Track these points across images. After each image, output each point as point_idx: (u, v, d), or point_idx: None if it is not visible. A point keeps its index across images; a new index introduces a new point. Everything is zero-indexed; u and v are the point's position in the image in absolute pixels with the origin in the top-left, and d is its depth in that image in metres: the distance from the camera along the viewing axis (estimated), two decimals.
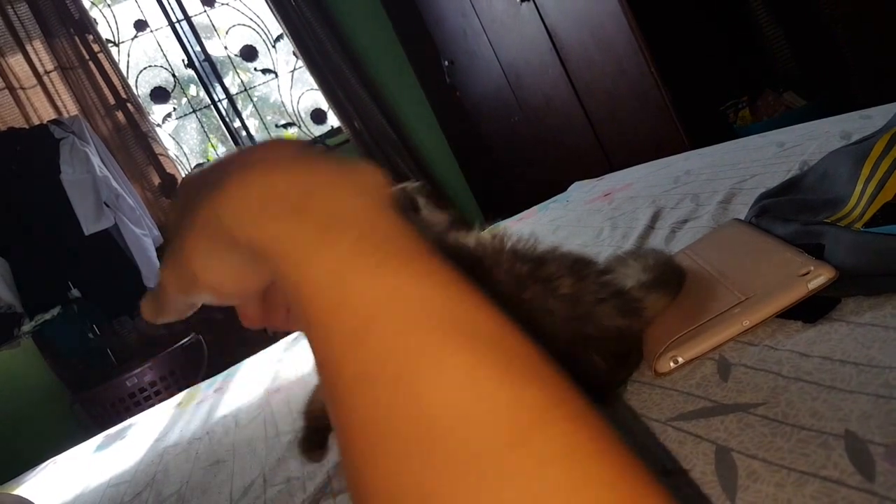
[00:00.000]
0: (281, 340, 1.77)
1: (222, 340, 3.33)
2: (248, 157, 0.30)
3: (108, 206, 2.96)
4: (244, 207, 0.28)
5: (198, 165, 0.58)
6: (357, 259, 0.25)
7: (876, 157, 0.76)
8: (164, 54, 3.81)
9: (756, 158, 1.17)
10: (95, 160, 3.02)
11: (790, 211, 0.80)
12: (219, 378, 1.73)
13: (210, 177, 0.31)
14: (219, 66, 3.91)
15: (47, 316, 2.91)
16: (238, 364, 1.80)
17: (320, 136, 3.92)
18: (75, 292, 2.97)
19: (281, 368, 1.50)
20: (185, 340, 2.92)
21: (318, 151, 0.30)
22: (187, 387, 2.75)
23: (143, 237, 3.07)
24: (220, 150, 3.92)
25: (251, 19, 3.96)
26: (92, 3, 3.68)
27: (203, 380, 1.90)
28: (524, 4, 2.85)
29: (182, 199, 0.33)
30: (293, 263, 0.26)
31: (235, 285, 0.31)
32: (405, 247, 0.26)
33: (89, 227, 2.90)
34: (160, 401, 2.73)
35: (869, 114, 1.16)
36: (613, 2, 2.36)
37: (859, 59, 2.20)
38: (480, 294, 0.25)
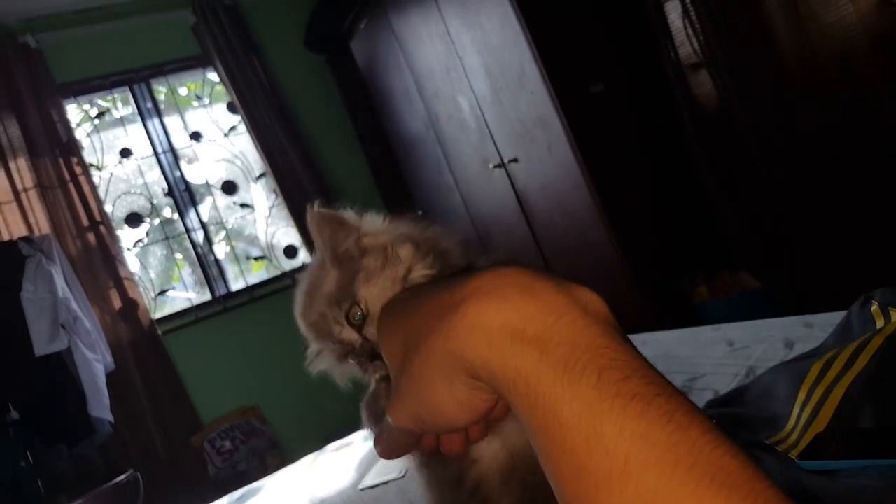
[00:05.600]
0: (224, 498, 1.70)
1: (160, 480, 3.16)
2: (474, 286, 0.31)
3: (63, 327, 2.90)
4: (485, 343, 0.29)
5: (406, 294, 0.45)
6: (603, 402, 0.26)
7: (811, 384, 0.81)
8: (143, 178, 3.89)
9: (707, 356, 1.23)
10: (59, 281, 2.99)
11: (733, 426, 0.84)
12: None
13: (432, 306, 0.32)
14: (198, 195, 4.00)
15: None
16: None
17: (290, 272, 3.97)
18: (14, 415, 2.83)
19: None
20: (121, 478, 2.77)
21: (538, 277, 0.31)
22: None
23: (94, 362, 2.99)
24: (185, 271, 3.91)
25: (235, 156, 4.11)
26: (78, 123, 3.79)
27: None
28: (496, 170, 3.03)
29: (396, 329, 0.34)
30: (537, 401, 0.27)
31: (469, 414, 0.33)
32: (642, 386, 0.26)
33: (42, 347, 2.82)
34: None
35: (811, 322, 1.24)
36: (578, 176, 2.53)
37: (809, 250, 2.34)
38: (718, 432, 0.26)
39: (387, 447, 0.40)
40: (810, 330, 1.21)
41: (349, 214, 0.55)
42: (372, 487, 1.25)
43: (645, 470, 0.24)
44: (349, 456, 1.56)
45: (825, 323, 1.22)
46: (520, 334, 0.29)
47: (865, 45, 1.93)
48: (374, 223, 0.56)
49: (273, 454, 3.35)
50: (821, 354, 0.90)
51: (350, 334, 0.50)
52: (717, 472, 0.24)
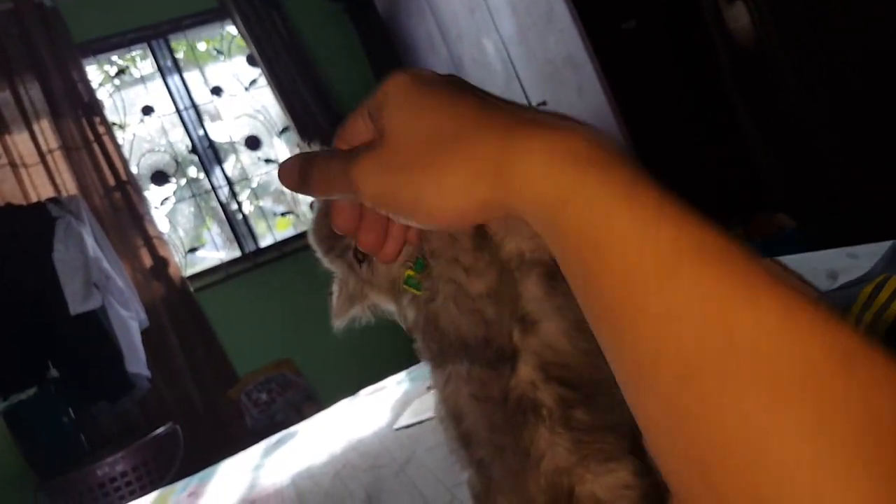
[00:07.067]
0: (261, 443, 1.71)
1: (200, 432, 3.23)
2: (536, 118, 0.31)
3: (97, 286, 2.93)
4: (545, 164, 0.29)
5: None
6: (661, 213, 0.27)
7: (859, 309, 0.78)
8: (166, 136, 3.88)
9: None
10: (89, 241, 3.01)
11: None
12: (193, 480, 1.66)
13: (490, 121, 0.32)
14: (222, 153, 3.98)
15: (23, 396, 2.83)
16: (214, 466, 1.73)
17: None
18: (54, 373, 2.90)
19: (258, 476, 1.44)
20: (161, 430, 2.83)
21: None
22: (159, 479, 2.64)
23: (129, 320, 3.03)
24: (214, 229, 3.93)
25: (257, 111, 4.07)
26: (100, 84, 3.78)
27: (176, 475, 1.82)
28: None
29: (426, 108, 0.34)
30: (589, 221, 0.28)
31: (456, 223, 0.33)
32: (679, 202, 0.28)
33: (76, 307, 2.86)
34: (129, 492, 2.61)
35: (855, 252, 1.18)
36: (609, 117, 2.45)
37: (849, 188, 2.26)
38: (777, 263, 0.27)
39: (309, 182, 0.39)
40: (855, 260, 1.15)
41: None
42: (407, 427, 1.24)
43: (696, 267, 0.25)
44: (383, 399, 1.56)
45: (870, 253, 1.16)
46: (584, 158, 0.29)
47: None
48: None
49: (309, 405, 3.40)
50: (869, 278, 0.86)
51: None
52: (764, 265, 0.26)
